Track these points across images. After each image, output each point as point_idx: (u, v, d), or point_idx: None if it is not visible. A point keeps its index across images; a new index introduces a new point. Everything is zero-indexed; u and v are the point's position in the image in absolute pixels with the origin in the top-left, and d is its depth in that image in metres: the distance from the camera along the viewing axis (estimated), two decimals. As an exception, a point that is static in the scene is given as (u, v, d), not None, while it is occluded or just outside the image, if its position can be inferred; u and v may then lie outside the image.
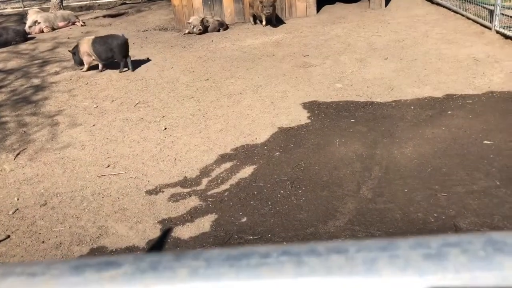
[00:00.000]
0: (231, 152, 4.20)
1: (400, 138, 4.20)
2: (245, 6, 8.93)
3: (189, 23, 8.46)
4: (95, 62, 6.67)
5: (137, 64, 6.88)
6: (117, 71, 6.59)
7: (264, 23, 8.43)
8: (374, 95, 5.16)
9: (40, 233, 3.21)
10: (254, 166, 3.91)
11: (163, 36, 8.64)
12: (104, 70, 6.66)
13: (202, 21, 8.35)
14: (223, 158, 4.10)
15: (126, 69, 6.60)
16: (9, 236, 3.20)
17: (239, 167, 3.93)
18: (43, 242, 3.12)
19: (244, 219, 3.24)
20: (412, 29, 7.50)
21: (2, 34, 8.67)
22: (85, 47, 6.54)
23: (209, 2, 8.92)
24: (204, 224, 3.23)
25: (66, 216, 3.39)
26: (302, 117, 4.75)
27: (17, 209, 3.52)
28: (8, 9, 12.67)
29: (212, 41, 7.93)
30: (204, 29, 8.37)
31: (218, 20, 8.62)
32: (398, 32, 7.39)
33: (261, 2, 8.09)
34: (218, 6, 8.94)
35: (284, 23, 8.71)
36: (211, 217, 3.29)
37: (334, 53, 6.68)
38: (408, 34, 7.23)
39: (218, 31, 8.51)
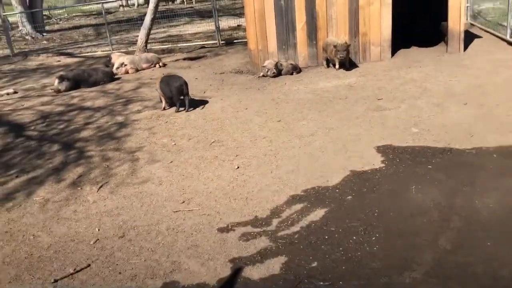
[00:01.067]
0: (302, 193, 4.19)
1: (482, 187, 3.98)
2: (318, 51, 9.07)
3: (264, 66, 8.73)
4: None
5: (213, 104, 7.17)
6: (195, 111, 6.90)
7: (337, 66, 8.49)
8: (452, 141, 4.96)
9: (117, 264, 3.35)
10: (326, 209, 3.87)
11: (239, 78, 8.95)
12: (167, 108, 7.11)
13: (276, 65, 8.58)
14: (293, 199, 4.10)
15: (182, 108, 6.94)
16: (89, 265, 3.36)
17: (310, 209, 3.90)
18: (119, 273, 3.25)
19: (315, 264, 3.18)
20: (494, 74, 7.20)
21: (92, 74, 9.43)
22: (157, 85, 7.10)
23: (283, 47, 9.17)
24: (274, 266, 3.21)
25: (142, 249, 3.52)
26: (376, 161, 4.66)
27: (98, 239, 3.71)
28: (99, 52, 13.79)
29: (285, 83, 8.09)
30: (278, 73, 8.59)
31: (291, 64, 8.81)
32: (478, 77, 7.13)
33: (335, 47, 8.19)
34: (292, 50, 9.16)
35: (358, 66, 8.72)
36: (281, 259, 3.27)
37: (409, 97, 6.55)
38: (489, 79, 6.95)
39: (292, 74, 8.68)
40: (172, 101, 7.06)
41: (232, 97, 7.58)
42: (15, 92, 9.47)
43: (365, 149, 4.97)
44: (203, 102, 7.32)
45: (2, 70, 12.57)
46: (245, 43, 11.95)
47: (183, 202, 4.22)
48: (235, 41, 13.23)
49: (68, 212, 4.22)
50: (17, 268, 3.41)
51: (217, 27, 13.07)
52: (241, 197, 4.21)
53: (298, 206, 3.95)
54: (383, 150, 4.93)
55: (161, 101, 7.22)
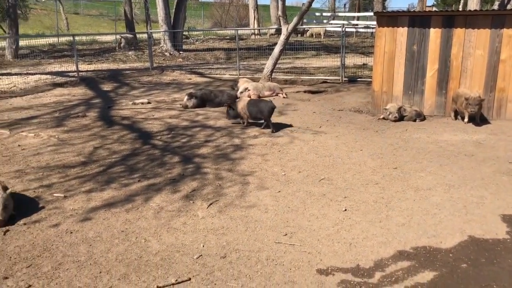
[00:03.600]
0: (411, 250, 3.94)
1: None
2: (447, 100, 8.62)
3: (385, 109, 8.51)
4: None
5: (327, 141, 7.14)
6: (308, 145, 6.94)
7: (466, 120, 7.98)
8: None
9: (215, 284, 3.43)
10: (435, 273, 3.58)
11: (357, 118, 8.83)
12: (247, 126, 8.14)
13: (399, 109, 8.32)
14: (401, 254, 3.87)
15: (268, 129, 7.82)
16: (190, 279, 3.49)
17: (417, 269, 3.65)
18: (216, 293, 3.32)
19: (416, 330, 2.94)
20: None
21: (218, 96, 10.00)
22: (242, 105, 7.98)
23: (409, 92, 8.87)
24: (371, 322, 3.03)
25: (240, 273, 3.57)
26: (499, 231, 4.23)
27: (201, 255, 3.85)
28: (226, 75, 14.61)
29: (407, 130, 7.79)
30: (400, 117, 8.31)
31: (416, 110, 8.48)
32: None
33: (466, 99, 7.72)
34: (419, 97, 8.82)
35: (490, 123, 8.10)
36: (380, 317, 3.08)
37: (548, 165, 5.89)
38: None
39: (414, 121, 8.35)
40: (253, 121, 8.11)
41: (348, 136, 7.48)
42: (149, 103, 10.38)
43: (489, 215, 4.54)
44: (316, 137, 7.33)
45: (141, 81, 13.90)
46: (368, 83, 11.82)
47: (286, 234, 4.21)
48: (358, 79, 13.15)
49: (178, 223, 4.45)
50: (127, 267, 3.66)
51: (343, 64, 13.11)
52: (345, 242, 4.08)
53: (405, 264, 3.72)
54: (509, 219, 4.46)
55: (232, 118, 8.32)
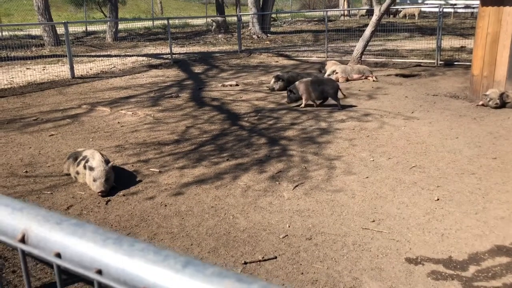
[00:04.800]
0: (511, 246, 3.68)
1: None
2: (559, 86, 7.82)
3: (485, 95, 7.93)
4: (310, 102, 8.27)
5: (420, 127, 6.83)
6: (399, 130, 6.69)
7: None
8: None
9: (301, 264, 3.47)
10: (538, 272, 3.32)
11: (453, 103, 8.33)
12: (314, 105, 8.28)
13: (501, 96, 7.71)
14: (499, 250, 3.63)
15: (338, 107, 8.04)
16: (276, 257, 3.56)
17: (518, 266, 3.40)
18: (302, 273, 3.36)
19: (515, 330, 2.76)
20: None
21: (304, 78, 9.91)
22: (304, 86, 8.05)
23: (514, 76, 8.16)
24: (464, 317, 2.89)
25: (326, 256, 3.57)
26: None
27: (287, 235, 3.90)
28: (314, 57, 14.44)
29: (509, 118, 7.20)
30: (502, 104, 7.70)
31: (520, 97, 7.80)
32: None
33: None
34: (525, 82, 8.09)
35: None
36: (473, 312, 2.93)
37: None
38: None
39: (518, 108, 7.69)
40: (318, 101, 8.22)
41: (443, 122, 7.09)
42: (237, 85, 10.59)
43: None
44: (407, 123, 7.04)
45: (230, 63, 14.20)
46: (466, 67, 11.06)
47: (373, 221, 4.13)
48: (455, 63, 12.35)
49: (264, 202, 4.54)
50: (216, 241, 3.81)
51: (438, 46, 12.37)
52: (436, 232, 3.91)
53: (504, 260, 3.48)
54: None
55: (293, 102, 8.25)
